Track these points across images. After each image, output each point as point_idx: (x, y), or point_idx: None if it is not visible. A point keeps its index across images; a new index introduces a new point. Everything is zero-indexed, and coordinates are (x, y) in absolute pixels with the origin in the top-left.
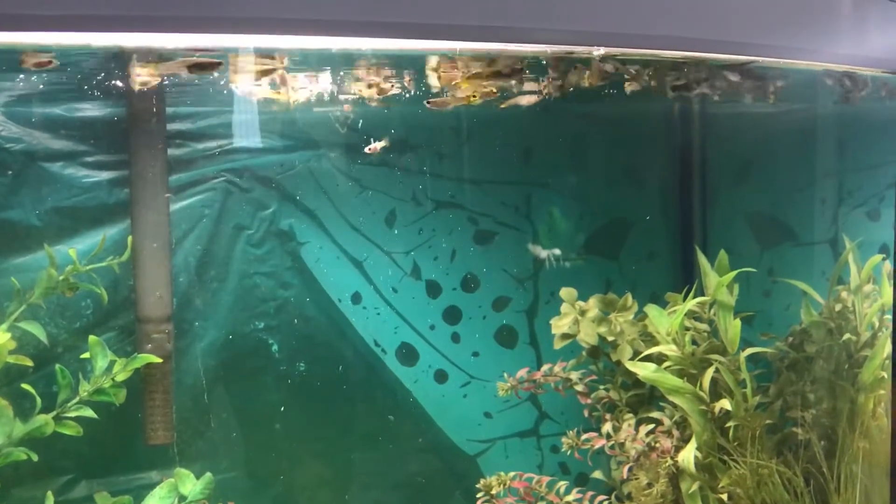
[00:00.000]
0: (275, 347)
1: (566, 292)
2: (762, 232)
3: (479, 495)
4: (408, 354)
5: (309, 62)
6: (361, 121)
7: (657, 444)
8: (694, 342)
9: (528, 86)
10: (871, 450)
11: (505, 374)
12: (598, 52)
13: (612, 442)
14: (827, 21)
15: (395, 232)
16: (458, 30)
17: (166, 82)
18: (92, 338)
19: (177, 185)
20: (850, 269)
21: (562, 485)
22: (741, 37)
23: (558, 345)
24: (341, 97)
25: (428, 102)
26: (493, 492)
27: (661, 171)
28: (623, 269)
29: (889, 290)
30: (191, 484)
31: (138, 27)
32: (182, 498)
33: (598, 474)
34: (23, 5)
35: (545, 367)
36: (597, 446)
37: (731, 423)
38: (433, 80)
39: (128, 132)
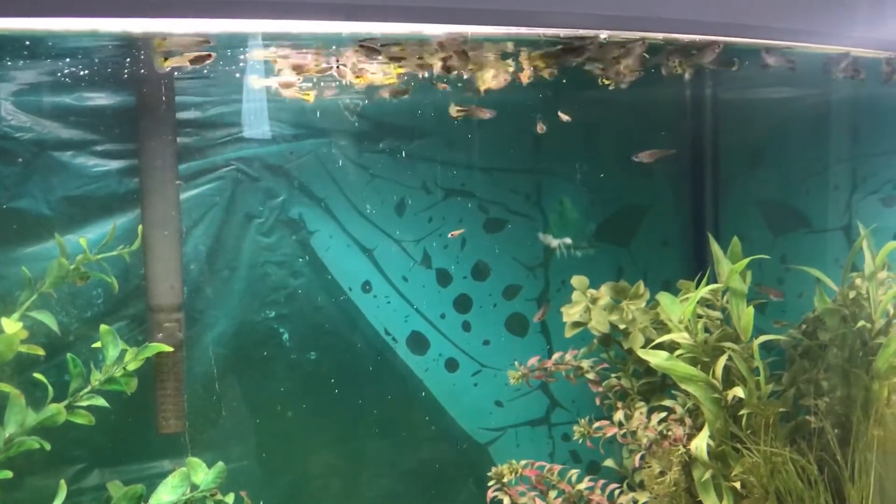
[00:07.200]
0: (285, 336)
1: (577, 280)
2: (775, 218)
3: (490, 483)
4: (418, 343)
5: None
6: (371, 109)
7: (669, 433)
8: (706, 330)
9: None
10: (885, 438)
11: (516, 363)
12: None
13: (624, 430)
14: (842, 3)
15: (405, 220)
16: (470, 14)
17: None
18: (103, 327)
19: (187, 173)
20: (865, 256)
21: (573, 473)
22: (755, 20)
23: (569, 333)
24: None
25: None
26: (505, 480)
27: (673, 158)
28: (635, 256)
29: None
30: (203, 473)
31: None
32: (194, 487)
33: (609, 462)
34: None
35: (556, 356)
36: (608, 434)
37: (744, 411)
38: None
39: (137, 121)
